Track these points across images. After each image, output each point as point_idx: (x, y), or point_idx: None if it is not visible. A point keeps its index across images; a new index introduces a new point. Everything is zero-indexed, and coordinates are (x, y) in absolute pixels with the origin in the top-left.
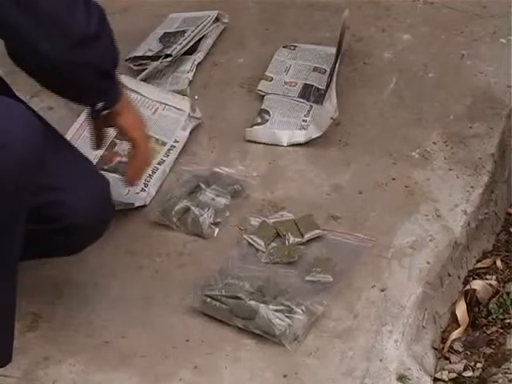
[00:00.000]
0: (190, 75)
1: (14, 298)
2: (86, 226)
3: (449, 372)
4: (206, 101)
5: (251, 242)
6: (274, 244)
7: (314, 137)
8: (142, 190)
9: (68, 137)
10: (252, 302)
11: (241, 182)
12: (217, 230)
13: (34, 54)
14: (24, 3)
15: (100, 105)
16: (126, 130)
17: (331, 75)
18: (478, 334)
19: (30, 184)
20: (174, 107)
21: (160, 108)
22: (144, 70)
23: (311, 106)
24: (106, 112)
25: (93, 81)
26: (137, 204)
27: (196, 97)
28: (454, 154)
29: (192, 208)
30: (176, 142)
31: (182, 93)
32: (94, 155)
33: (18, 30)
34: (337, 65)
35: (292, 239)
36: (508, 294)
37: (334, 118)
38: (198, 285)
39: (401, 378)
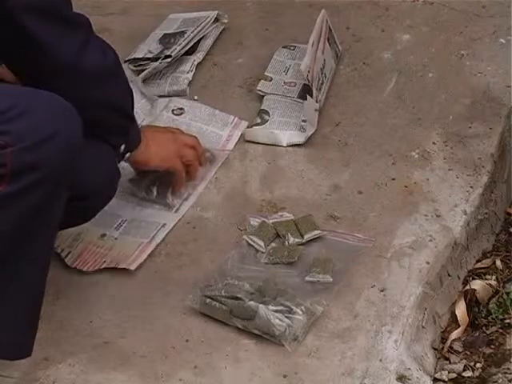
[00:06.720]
0: (190, 75)
1: (44, 282)
2: (98, 193)
3: (448, 372)
4: (205, 101)
5: (251, 242)
6: (273, 244)
7: (310, 134)
8: None
9: None
10: (251, 303)
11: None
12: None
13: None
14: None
15: (122, 147)
16: (162, 167)
17: (310, 72)
18: (477, 334)
19: (72, 165)
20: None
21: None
22: (143, 70)
23: None
24: (127, 155)
25: (112, 119)
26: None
27: (196, 97)
28: (454, 154)
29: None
30: None
31: (181, 93)
32: None
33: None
34: (323, 61)
35: (292, 239)
36: (508, 293)
37: (318, 109)
38: (197, 285)
39: (400, 378)
